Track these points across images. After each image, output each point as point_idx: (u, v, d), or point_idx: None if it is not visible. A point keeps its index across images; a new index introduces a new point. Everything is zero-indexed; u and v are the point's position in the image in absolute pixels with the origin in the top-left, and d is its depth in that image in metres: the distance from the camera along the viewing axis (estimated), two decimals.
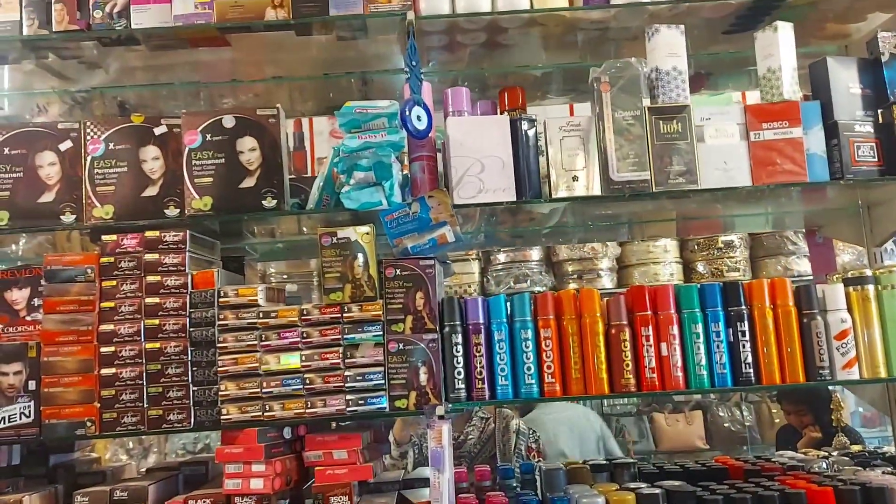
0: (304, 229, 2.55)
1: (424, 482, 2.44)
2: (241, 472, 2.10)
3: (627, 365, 2.14)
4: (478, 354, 2.17)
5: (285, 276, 4.48)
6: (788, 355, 2.14)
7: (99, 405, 2.10)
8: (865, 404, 5.30)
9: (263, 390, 2.13)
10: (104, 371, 2.12)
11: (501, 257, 5.31)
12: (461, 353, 2.17)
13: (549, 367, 2.16)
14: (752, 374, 2.14)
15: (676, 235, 5.38)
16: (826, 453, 2.64)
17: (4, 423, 2.09)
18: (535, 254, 5.36)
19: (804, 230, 3.32)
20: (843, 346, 2.13)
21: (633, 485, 2.21)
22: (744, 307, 2.16)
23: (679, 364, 2.14)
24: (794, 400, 4.15)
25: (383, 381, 2.15)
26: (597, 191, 2.25)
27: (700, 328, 2.15)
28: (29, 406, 2.10)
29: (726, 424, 5.28)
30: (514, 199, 2.22)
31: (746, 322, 2.15)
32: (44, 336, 2.13)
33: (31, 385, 2.11)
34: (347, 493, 2.11)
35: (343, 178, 2.17)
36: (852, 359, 2.13)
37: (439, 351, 2.16)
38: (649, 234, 5.22)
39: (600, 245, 5.30)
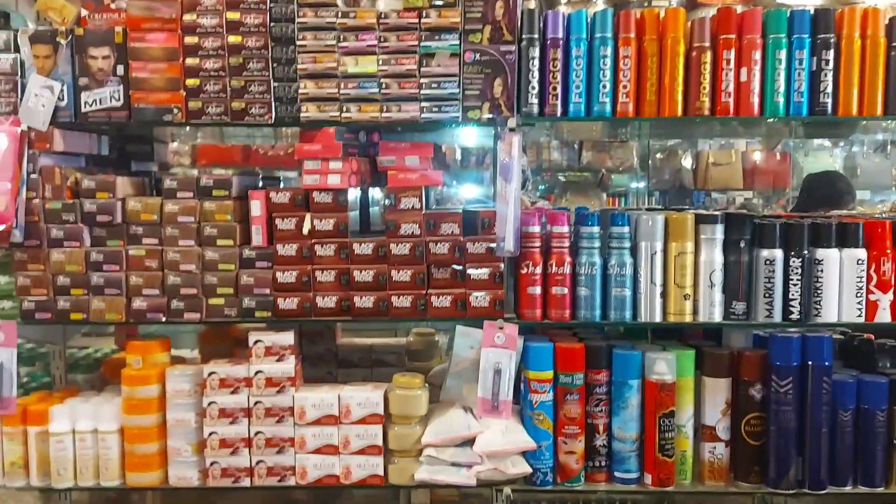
0: None
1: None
2: (319, 169, 2.20)
3: (704, 88, 2.13)
4: (553, 70, 2.17)
5: None
6: (870, 87, 2.11)
7: (185, 93, 2.18)
8: None
9: (341, 91, 2.18)
10: (189, 61, 2.17)
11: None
12: (537, 67, 2.17)
13: (624, 87, 2.16)
14: (828, 105, 2.13)
15: None
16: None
17: (96, 105, 2.19)
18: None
19: None
20: None
21: (692, 210, 2.29)
22: (832, 36, 2.11)
23: (757, 90, 2.13)
24: (829, 202, 3.96)
25: (458, 91, 2.18)
26: None
27: (784, 55, 2.11)
28: (118, 90, 2.18)
29: None
30: None
31: (832, 51, 2.10)
32: (129, 21, 2.17)
33: (120, 70, 2.18)
34: (418, 196, 2.22)
35: None
36: None
37: (515, 63, 2.17)
38: None
39: None
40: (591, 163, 6.22)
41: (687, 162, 6.06)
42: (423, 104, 2.18)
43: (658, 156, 6.16)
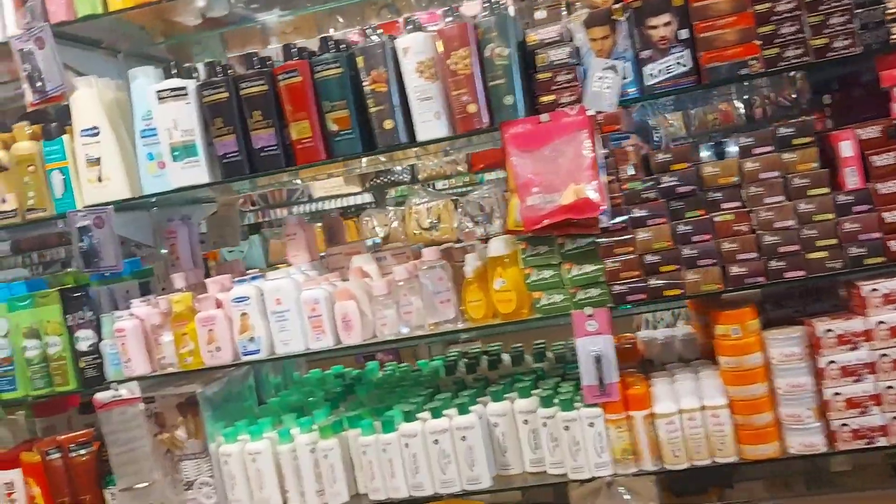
0: None
1: None
2: None
3: None
4: None
5: None
6: None
7: (760, 42, 2.07)
8: None
9: None
10: (758, 7, 2.06)
11: None
12: None
13: None
14: None
15: None
16: None
17: (662, 76, 2.14)
18: None
19: None
20: None
21: None
22: None
23: None
24: None
25: None
26: None
27: None
28: (684, 54, 2.11)
29: None
30: None
31: None
32: None
33: (683, 34, 2.11)
34: None
35: None
36: None
37: None
38: None
39: None
40: None
41: None
42: None
43: None
